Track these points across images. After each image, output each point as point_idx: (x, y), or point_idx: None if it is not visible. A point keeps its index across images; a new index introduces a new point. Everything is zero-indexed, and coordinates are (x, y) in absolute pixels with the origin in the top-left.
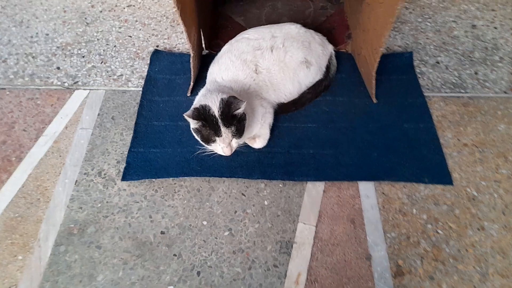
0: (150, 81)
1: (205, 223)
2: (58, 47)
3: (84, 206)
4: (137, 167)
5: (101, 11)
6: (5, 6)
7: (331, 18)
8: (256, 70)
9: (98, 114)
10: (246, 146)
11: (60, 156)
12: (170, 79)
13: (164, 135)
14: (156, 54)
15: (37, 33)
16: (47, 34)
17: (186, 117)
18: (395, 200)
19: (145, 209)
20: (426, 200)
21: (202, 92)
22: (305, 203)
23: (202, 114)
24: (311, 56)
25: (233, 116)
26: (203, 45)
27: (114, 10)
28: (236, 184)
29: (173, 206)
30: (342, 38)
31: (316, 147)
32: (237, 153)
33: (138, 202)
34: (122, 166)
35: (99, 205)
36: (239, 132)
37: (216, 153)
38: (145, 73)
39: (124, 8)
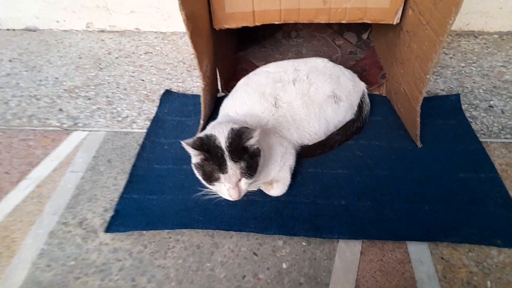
0: (157, 122)
1: None
2: (65, 89)
3: (53, 263)
4: (127, 215)
5: (117, 57)
6: (22, 53)
7: (361, 62)
8: (275, 104)
9: (94, 157)
10: (261, 194)
11: (40, 202)
12: (179, 120)
13: (165, 179)
14: (167, 95)
15: (46, 77)
16: (57, 78)
17: (184, 146)
18: (459, 268)
19: (127, 269)
20: (502, 269)
21: (211, 124)
22: (337, 268)
23: (206, 144)
24: (340, 90)
25: (243, 149)
26: (220, 88)
27: (131, 57)
28: (247, 240)
29: (164, 267)
30: (375, 79)
31: (350, 198)
32: (250, 201)
33: (120, 260)
34: (109, 215)
35: (72, 262)
36: (250, 170)
37: (222, 197)
38: (153, 115)
39: (141, 55)
